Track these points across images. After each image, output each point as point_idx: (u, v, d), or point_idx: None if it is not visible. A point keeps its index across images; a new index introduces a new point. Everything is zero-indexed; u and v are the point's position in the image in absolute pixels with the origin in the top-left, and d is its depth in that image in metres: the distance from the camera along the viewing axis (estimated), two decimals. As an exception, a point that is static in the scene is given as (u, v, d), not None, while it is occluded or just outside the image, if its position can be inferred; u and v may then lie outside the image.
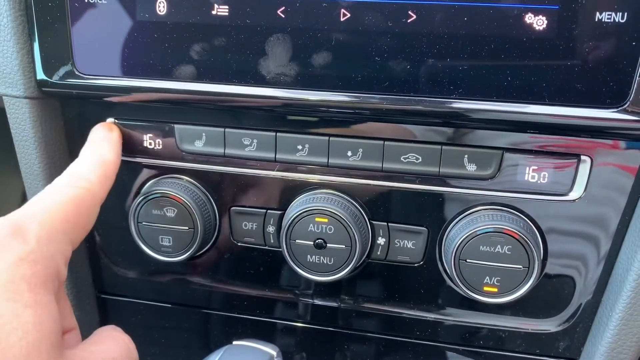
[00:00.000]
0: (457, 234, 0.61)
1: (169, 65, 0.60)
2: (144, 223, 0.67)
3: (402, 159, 0.61)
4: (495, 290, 0.60)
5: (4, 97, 0.67)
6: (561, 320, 0.66)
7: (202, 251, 0.70)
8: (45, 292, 0.46)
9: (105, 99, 0.64)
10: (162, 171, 0.69)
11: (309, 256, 0.63)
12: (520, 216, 0.61)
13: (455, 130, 0.60)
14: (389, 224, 0.65)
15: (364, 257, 0.65)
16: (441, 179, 0.62)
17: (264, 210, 0.67)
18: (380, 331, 0.72)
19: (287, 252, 0.64)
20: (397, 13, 0.53)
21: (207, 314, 0.78)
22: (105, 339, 0.54)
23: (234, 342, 0.61)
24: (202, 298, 0.76)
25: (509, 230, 0.58)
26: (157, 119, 0.66)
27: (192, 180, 0.68)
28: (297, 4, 0.55)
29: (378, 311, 0.70)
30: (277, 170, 0.65)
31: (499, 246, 0.59)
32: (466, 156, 0.60)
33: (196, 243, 0.66)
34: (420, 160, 0.61)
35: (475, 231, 0.59)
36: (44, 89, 0.64)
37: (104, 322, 0.81)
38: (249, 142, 0.64)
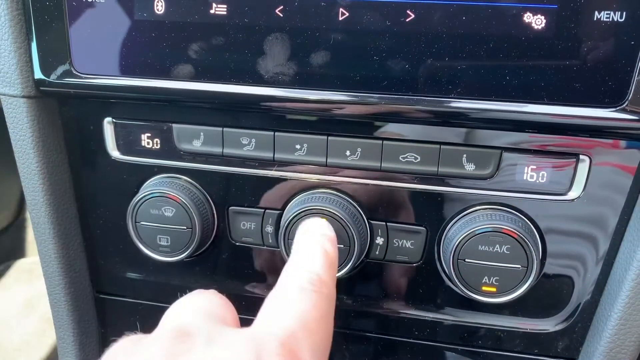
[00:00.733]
0: (455, 233, 0.61)
1: (167, 64, 0.60)
2: (142, 223, 0.67)
3: (400, 158, 0.61)
4: (494, 289, 0.60)
5: (1, 97, 0.67)
6: (560, 319, 0.66)
7: (200, 251, 0.70)
8: None
9: (103, 98, 0.64)
10: (160, 171, 0.68)
11: (307, 256, 0.63)
12: (519, 216, 0.61)
13: (453, 130, 0.60)
14: (388, 223, 0.65)
15: (363, 256, 0.65)
16: (440, 179, 0.62)
17: (262, 210, 0.67)
18: (378, 331, 0.72)
19: (286, 251, 0.63)
20: (395, 12, 0.53)
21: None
22: None
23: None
24: (200, 298, 0.76)
25: (507, 229, 0.58)
26: (155, 118, 0.66)
27: (190, 180, 0.68)
28: (296, 3, 0.55)
29: (376, 311, 0.70)
30: (276, 170, 0.65)
31: (497, 246, 0.59)
32: (465, 156, 0.60)
33: (194, 243, 0.66)
34: (418, 159, 0.61)
35: (474, 231, 0.59)
36: (41, 88, 0.64)
37: (101, 322, 0.80)
38: (247, 142, 0.64)
